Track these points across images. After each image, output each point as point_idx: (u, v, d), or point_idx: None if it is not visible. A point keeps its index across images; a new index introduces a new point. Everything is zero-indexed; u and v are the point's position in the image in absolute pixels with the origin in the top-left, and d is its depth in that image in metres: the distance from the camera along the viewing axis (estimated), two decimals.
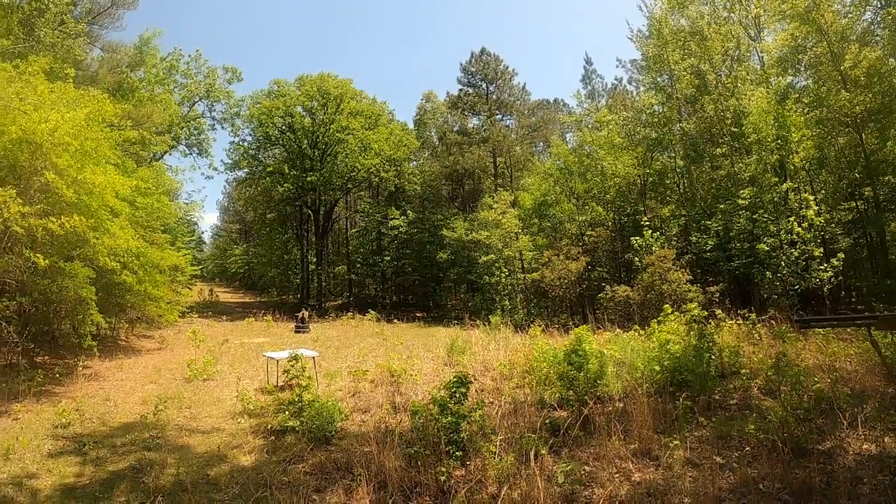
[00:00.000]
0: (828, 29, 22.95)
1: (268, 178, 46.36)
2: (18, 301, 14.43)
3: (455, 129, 51.26)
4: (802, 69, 26.49)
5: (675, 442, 7.96)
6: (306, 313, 29.95)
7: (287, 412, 10.60)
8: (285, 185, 45.36)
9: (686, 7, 31.31)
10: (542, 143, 55.94)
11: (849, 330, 12.84)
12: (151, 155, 33.24)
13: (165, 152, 38.38)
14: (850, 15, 22.96)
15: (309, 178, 43.78)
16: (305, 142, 45.93)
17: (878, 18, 21.51)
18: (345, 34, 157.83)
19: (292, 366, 12.43)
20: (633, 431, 8.67)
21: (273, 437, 10.00)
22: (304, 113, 46.06)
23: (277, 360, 14.56)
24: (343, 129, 44.48)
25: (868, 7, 21.48)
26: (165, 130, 35.69)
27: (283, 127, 45.88)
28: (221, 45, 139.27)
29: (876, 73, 21.31)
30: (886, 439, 7.78)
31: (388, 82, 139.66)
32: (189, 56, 42.72)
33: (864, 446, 7.70)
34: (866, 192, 23.50)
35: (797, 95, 25.72)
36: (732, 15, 30.50)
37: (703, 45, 29.98)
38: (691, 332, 12.08)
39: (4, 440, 9.64)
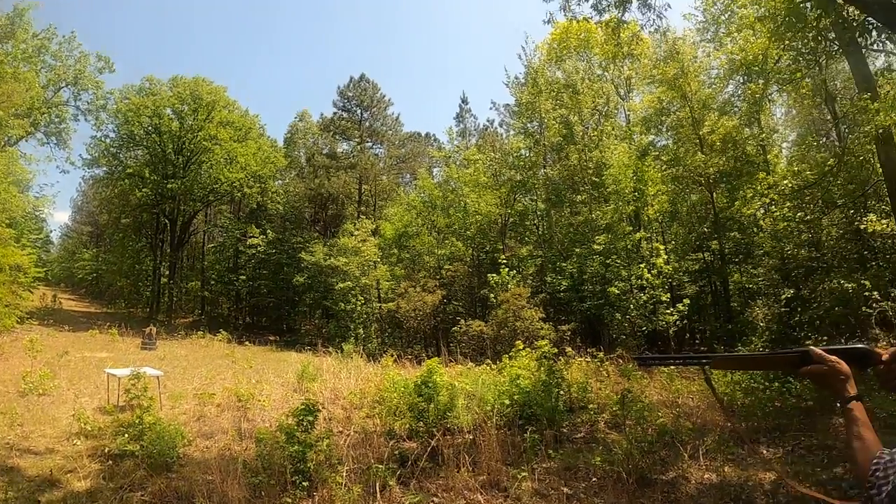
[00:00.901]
0: (692, 96, 24.65)
1: (127, 181, 44.05)
2: None
3: (324, 151, 51.07)
4: (664, 130, 28.29)
5: (524, 473, 7.96)
6: (154, 329, 28.53)
7: (126, 435, 9.82)
8: (144, 189, 43.21)
9: (563, 61, 32.76)
10: (409, 175, 56.43)
11: (691, 369, 13.47)
12: (6, 139, 30.91)
13: (21, 138, 35.66)
14: (713, 86, 24.64)
15: (170, 185, 42.00)
16: (170, 146, 44.04)
17: (739, 91, 23.12)
18: (227, 39, 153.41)
19: (134, 385, 11.68)
20: (482, 463, 8.57)
21: (111, 462, 9.24)
22: (172, 116, 44.14)
23: (119, 378, 13.65)
24: (211, 138, 43.03)
25: (731, 80, 23.05)
26: (25, 114, 33.30)
27: (150, 127, 43.70)
28: (97, 31, 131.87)
29: (731, 140, 22.99)
30: (726, 469, 8.11)
31: (262, 94, 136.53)
32: (63, 37, 39.97)
33: (706, 476, 7.98)
34: (713, 245, 25.21)
35: (657, 153, 27.42)
36: (606, 73, 32.18)
37: (575, 98, 31.43)
38: (541, 368, 12.24)
39: None
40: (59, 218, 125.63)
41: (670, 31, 24.60)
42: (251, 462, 8.60)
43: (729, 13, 20.59)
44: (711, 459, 8.44)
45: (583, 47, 32.22)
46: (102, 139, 45.43)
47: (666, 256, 24.21)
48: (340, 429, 10.95)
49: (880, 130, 12.76)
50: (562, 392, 11.66)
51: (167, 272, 48.05)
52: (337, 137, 51.01)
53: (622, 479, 7.70)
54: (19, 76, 32.11)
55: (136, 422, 9.89)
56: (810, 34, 10.99)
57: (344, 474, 7.59)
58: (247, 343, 33.18)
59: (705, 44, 24.98)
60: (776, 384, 11.26)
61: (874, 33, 9.86)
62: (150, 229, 51.18)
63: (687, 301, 22.76)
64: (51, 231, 76.67)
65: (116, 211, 50.36)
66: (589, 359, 16.04)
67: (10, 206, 22.73)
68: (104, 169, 46.96)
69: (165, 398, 14.16)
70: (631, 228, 26.58)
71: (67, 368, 18.69)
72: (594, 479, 8.07)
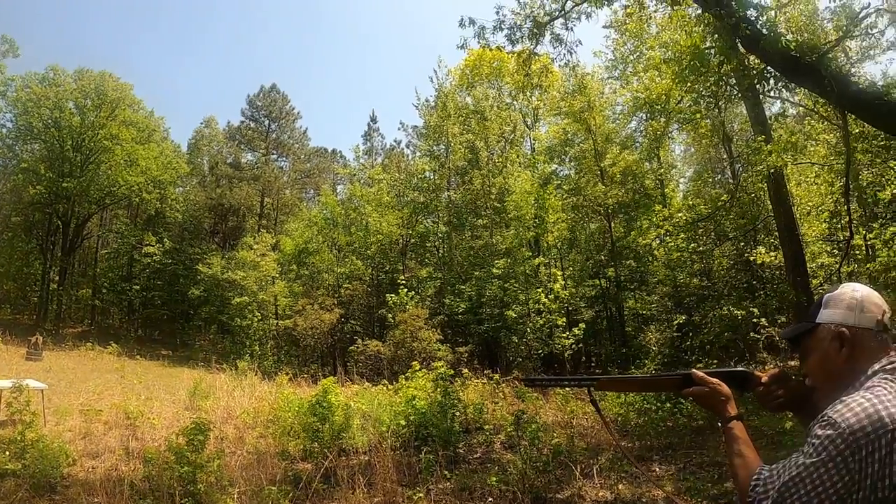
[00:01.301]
0: (596, 129, 25.68)
1: (21, 176, 41.96)
2: None
3: (229, 160, 50.42)
4: (567, 160, 29.29)
5: (420, 495, 7.89)
6: (41, 339, 27.57)
7: (8, 453, 9.41)
8: (38, 186, 41.06)
9: (474, 87, 33.29)
10: (312, 191, 56.13)
11: (586, 391, 13.72)
12: None
13: None
14: (617, 121, 25.69)
15: (65, 184, 40.10)
16: (69, 142, 42.07)
17: (641, 128, 24.15)
18: (138, 33, 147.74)
19: (16, 398, 11.15)
20: (377, 484, 8.46)
21: None
22: (74, 110, 42.28)
23: (0, 390, 13.01)
24: (112, 137, 41.54)
25: (634, 117, 23.99)
26: None
27: (49, 120, 41.67)
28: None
29: (631, 173, 24.16)
30: (620, 486, 8.26)
31: (168, 95, 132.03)
32: None
33: (600, 493, 8.12)
34: (609, 272, 26.33)
35: (559, 182, 28.38)
36: (515, 102, 32.64)
37: (483, 125, 32.01)
38: (438, 389, 12.23)
39: None
40: None
41: (580, 67, 25.51)
42: (139, 483, 8.38)
43: (637, 54, 21.45)
44: (606, 478, 8.62)
45: (494, 75, 32.95)
46: None
47: (563, 282, 24.98)
48: (233, 449, 10.82)
49: (772, 170, 13.46)
50: (458, 413, 11.72)
51: (57, 277, 45.59)
52: (242, 147, 50.50)
53: (517, 498, 7.73)
54: None
55: (18, 438, 9.53)
56: (712, 78, 11.49)
57: (235, 496, 7.50)
58: (138, 357, 32.11)
59: (612, 81, 26.10)
60: (668, 405, 11.72)
61: (772, 81, 10.38)
62: (41, 230, 48.36)
63: (583, 325, 23.63)
64: None
65: (8, 208, 47.65)
66: (485, 380, 16.20)
67: None
68: None
69: (50, 413, 13.67)
70: (530, 254, 27.23)
71: None
72: (490, 499, 8.07)
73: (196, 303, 40.88)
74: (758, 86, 11.05)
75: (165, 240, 45.00)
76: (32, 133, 42.75)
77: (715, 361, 15.90)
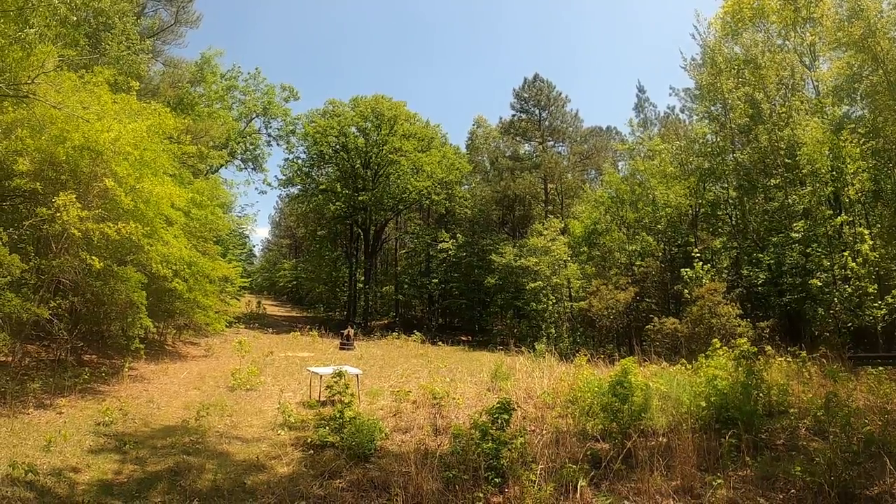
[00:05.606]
0: (884, 57, 22.24)
1: (320, 196, 47.20)
2: (71, 300, 14.90)
3: (507, 154, 51.56)
4: (858, 98, 25.71)
5: (719, 481, 7.59)
6: (352, 331, 30.26)
7: (328, 427, 10.64)
8: (337, 203, 45.88)
9: (740, 35, 30.51)
10: (593, 171, 55.57)
11: None
12: (208, 168, 33.77)
13: (221, 166, 39.10)
14: None
15: (360, 198, 44.32)
16: (358, 162, 46.54)
17: None
18: (399, 58, 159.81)
19: (336, 382, 12.47)
20: (675, 467, 8.28)
21: (312, 451, 10.04)
22: (357, 133, 46.63)
23: (321, 376, 14.72)
24: (396, 151, 44.95)
25: None
26: (222, 145, 36.52)
27: (337, 146, 46.54)
28: (279, 64, 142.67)
29: None
30: None
31: (440, 105, 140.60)
32: (248, 74, 44.17)
33: None
34: None
35: (853, 125, 24.95)
36: (787, 43, 29.66)
37: (758, 74, 29.27)
38: (740, 369, 11.68)
39: (47, 432, 9.93)
40: (260, 233, 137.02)
41: None
42: (445, 457, 8.98)
43: None
44: None
45: (758, 17, 29.97)
46: (295, 160, 49.45)
47: (871, 242, 22.31)
48: (533, 428, 11.03)
49: None
50: (760, 395, 11.08)
51: (362, 278, 50.31)
52: (518, 139, 51.40)
53: (823, 491, 7.24)
54: (214, 113, 35.65)
55: (337, 415, 10.76)
56: None
57: (537, 472, 7.66)
58: (440, 343, 34.16)
59: None
60: None
61: None
62: (344, 239, 54.28)
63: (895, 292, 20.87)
64: (253, 245, 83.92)
65: (312, 224, 53.67)
66: (789, 358, 15.22)
67: (217, 225, 25.07)
68: (298, 187, 50.70)
69: (364, 395, 15.03)
70: (831, 212, 24.63)
71: (272, 366, 20.32)
72: (793, 491, 7.62)
73: (492, 290, 42.34)
74: None
75: (458, 235, 47.58)
76: (324, 159, 47.93)
77: None
